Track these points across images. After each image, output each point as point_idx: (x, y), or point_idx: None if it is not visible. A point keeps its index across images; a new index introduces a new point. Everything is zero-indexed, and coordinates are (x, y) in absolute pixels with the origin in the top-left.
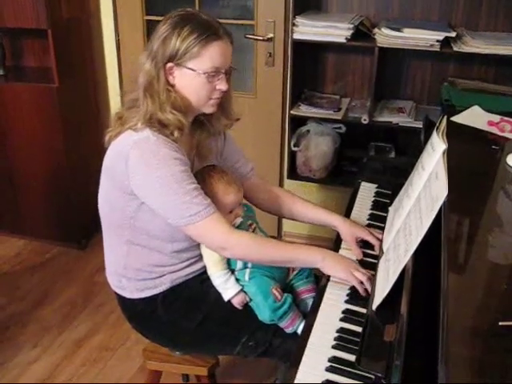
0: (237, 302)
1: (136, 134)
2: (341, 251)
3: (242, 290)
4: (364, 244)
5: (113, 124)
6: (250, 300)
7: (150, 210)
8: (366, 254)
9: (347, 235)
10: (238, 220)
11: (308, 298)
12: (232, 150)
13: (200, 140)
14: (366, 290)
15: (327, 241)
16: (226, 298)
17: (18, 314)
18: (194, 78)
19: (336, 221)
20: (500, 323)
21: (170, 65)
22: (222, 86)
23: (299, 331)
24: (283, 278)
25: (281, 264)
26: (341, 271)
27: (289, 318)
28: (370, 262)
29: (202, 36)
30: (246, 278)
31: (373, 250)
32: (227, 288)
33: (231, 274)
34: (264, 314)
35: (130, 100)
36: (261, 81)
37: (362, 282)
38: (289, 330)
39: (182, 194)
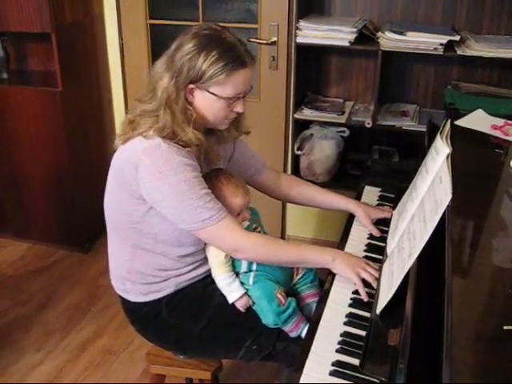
0: (240, 305)
1: (147, 141)
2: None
3: (246, 293)
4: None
5: (123, 128)
6: (254, 304)
7: (157, 215)
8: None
9: (364, 217)
10: (245, 223)
11: (312, 303)
12: (243, 151)
13: (208, 146)
14: (368, 294)
15: (331, 244)
16: (230, 300)
17: (21, 317)
18: (214, 102)
19: (350, 204)
20: (504, 327)
21: (191, 86)
22: (239, 108)
23: (303, 335)
24: (287, 281)
25: (292, 264)
26: (349, 272)
27: (293, 322)
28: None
29: (230, 65)
30: (251, 281)
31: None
32: (232, 290)
33: (236, 276)
34: (268, 318)
35: (144, 110)
36: (264, 84)
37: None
38: (293, 334)
39: (195, 199)
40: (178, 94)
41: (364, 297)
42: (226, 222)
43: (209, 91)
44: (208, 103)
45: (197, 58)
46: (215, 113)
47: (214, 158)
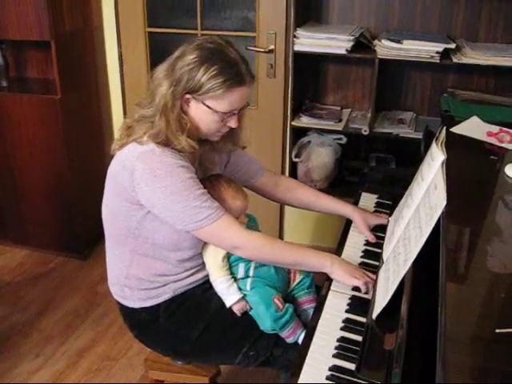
0: (237, 309)
1: (141, 147)
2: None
3: (243, 298)
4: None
5: (121, 133)
6: (251, 309)
7: (155, 220)
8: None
9: (361, 223)
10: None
11: (309, 309)
12: (239, 156)
13: (203, 153)
14: (364, 299)
15: (328, 250)
16: (227, 304)
17: (20, 323)
18: (208, 114)
19: (348, 209)
20: (497, 330)
21: (188, 96)
22: (232, 124)
23: (300, 341)
24: (284, 287)
25: (289, 266)
26: (347, 277)
27: (290, 328)
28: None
29: (228, 81)
30: (248, 287)
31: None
32: (229, 294)
33: (233, 281)
34: (265, 324)
35: (142, 116)
36: (262, 92)
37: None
38: (290, 340)
39: (192, 199)
40: (174, 103)
41: (364, 290)
42: (224, 220)
43: (204, 104)
44: (202, 115)
45: (197, 70)
46: (208, 124)
47: (210, 165)
